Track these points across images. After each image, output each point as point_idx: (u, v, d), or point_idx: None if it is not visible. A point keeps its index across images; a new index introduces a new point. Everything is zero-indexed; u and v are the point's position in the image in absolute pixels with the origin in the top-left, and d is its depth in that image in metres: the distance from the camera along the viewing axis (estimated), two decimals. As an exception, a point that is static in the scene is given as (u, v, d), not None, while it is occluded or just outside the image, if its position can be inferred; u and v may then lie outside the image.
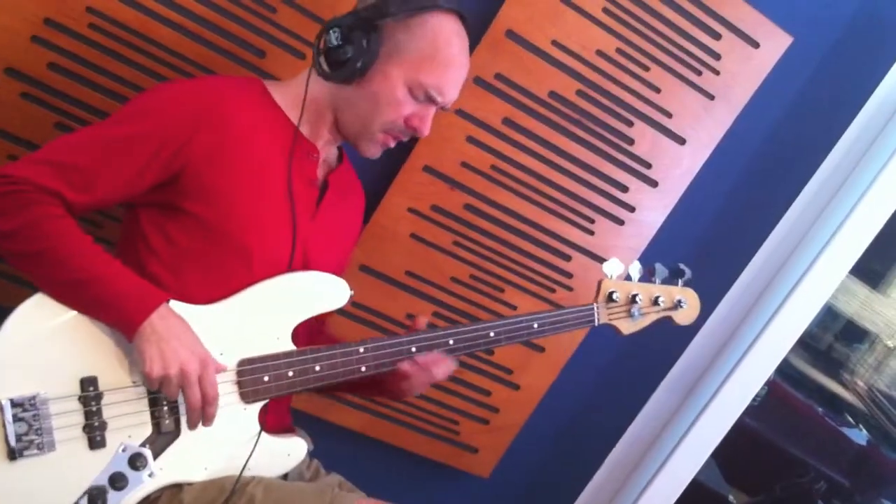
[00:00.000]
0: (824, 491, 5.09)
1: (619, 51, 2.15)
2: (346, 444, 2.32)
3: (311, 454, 1.85)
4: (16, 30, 1.77)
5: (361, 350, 1.58)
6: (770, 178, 2.48)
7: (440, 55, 1.55)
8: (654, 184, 2.32)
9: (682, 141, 2.29)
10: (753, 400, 2.68)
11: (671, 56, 2.20)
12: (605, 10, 2.10)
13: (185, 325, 1.41)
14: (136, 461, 1.41)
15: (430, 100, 1.58)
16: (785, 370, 6.27)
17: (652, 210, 2.35)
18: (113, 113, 1.52)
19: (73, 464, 1.37)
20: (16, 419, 1.31)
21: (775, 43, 2.25)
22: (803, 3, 2.30)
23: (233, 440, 1.51)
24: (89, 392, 1.37)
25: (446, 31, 1.56)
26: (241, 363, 1.50)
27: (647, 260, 2.37)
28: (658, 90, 2.22)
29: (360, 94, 1.57)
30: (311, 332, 1.68)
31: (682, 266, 1.89)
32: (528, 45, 2.07)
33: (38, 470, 1.34)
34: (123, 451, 1.40)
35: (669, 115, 2.25)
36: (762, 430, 5.52)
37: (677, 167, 2.32)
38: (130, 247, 1.53)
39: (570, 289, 2.36)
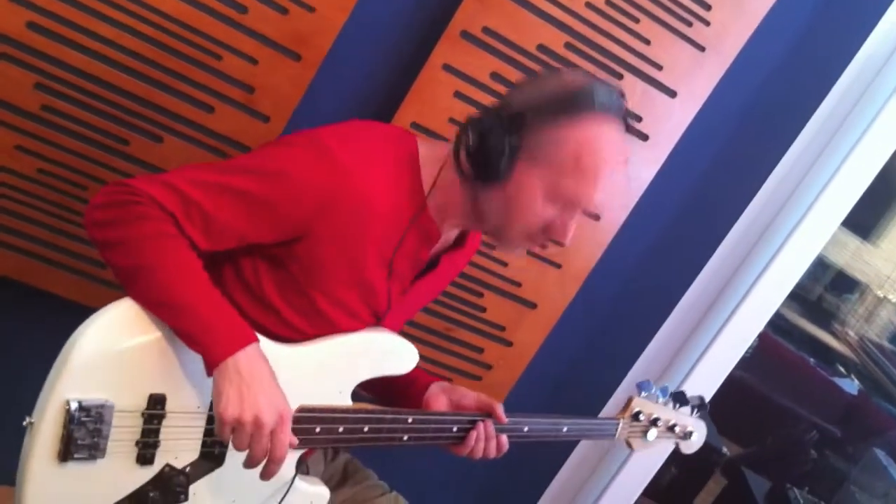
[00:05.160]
0: (816, 441, 5.14)
1: (608, 2, 2.11)
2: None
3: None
4: (-8, -11, 1.73)
5: (410, 420, 1.59)
6: (762, 130, 2.46)
7: (583, 164, 1.40)
8: (644, 137, 2.29)
9: (672, 94, 2.26)
10: (745, 352, 2.69)
11: (661, 7, 2.16)
12: (594, -39, 2.07)
13: (270, 373, 1.34)
14: (174, 483, 1.40)
15: (573, 207, 1.45)
16: (775, 322, 6.31)
17: (643, 164, 2.33)
18: (251, 158, 1.46)
19: (115, 474, 1.36)
20: (78, 422, 1.28)
21: (767, -8, 2.23)
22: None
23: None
24: (155, 410, 1.35)
25: (596, 137, 1.41)
26: (300, 409, 1.47)
27: (640, 213, 2.38)
28: (648, 42, 2.19)
29: (496, 195, 1.45)
30: (374, 381, 1.64)
31: (705, 399, 2.00)
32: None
33: (81, 474, 1.32)
34: (166, 470, 1.39)
35: (660, 68, 2.22)
36: (753, 381, 5.56)
37: (668, 120, 2.30)
38: (217, 266, 1.49)
39: (560, 243, 2.34)
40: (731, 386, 2.82)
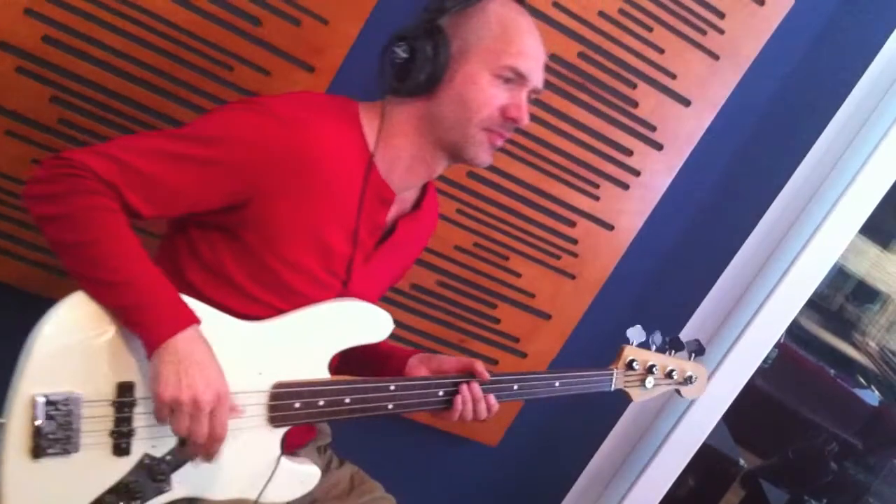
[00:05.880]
0: (836, 452, 5.10)
1: (621, 11, 2.12)
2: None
3: (327, 445, 1.85)
4: (8, 2, 1.74)
5: (392, 388, 1.56)
6: (777, 138, 2.45)
7: (511, 33, 1.50)
8: (658, 147, 2.29)
9: (686, 102, 2.25)
10: (764, 362, 2.67)
11: (674, 15, 2.16)
12: (607, -30, 2.07)
13: (209, 354, 1.34)
14: (156, 473, 1.38)
15: (519, 79, 1.51)
16: (796, 332, 6.29)
17: (657, 173, 2.33)
18: (190, 125, 1.45)
19: (93, 467, 1.34)
20: (47, 417, 1.28)
21: (780, 0, 2.22)
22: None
23: (252, 461, 1.49)
24: (125, 398, 1.34)
25: (508, 12, 1.52)
26: (277, 385, 1.46)
27: (655, 223, 2.37)
28: (662, 51, 2.19)
29: (445, 101, 1.51)
30: (350, 359, 1.63)
31: (701, 342, 1.96)
32: (529, 7, 2.02)
33: (58, 469, 1.31)
34: (146, 460, 1.38)
35: (673, 77, 2.22)
36: (773, 392, 5.53)
37: (682, 129, 2.29)
38: (173, 248, 1.49)
39: (575, 255, 2.34)
40: (750, 396, 2.80)
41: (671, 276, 2.54)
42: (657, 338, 1.90)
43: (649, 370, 1.89)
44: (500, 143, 1.55)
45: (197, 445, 1.34)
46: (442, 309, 2.31)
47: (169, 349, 1.29)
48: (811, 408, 5.74)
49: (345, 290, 1.55)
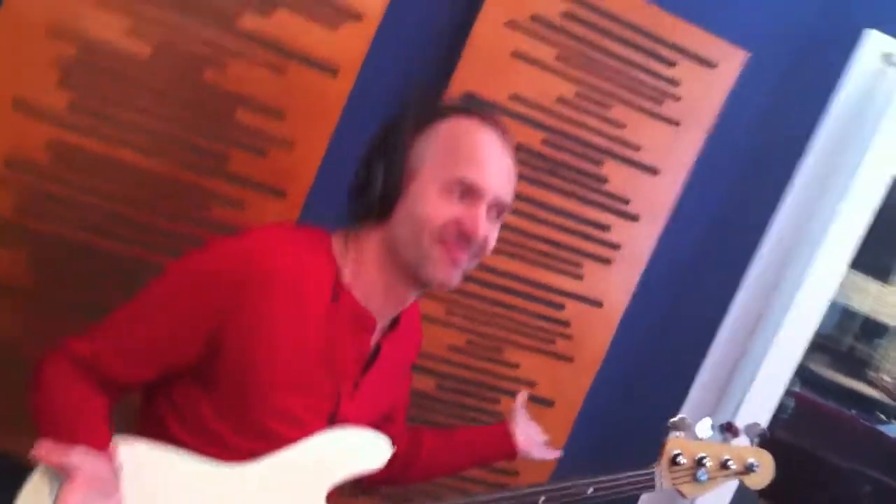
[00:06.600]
0: (869, 493, 4.99)
1: (578, 94, 2.16)
2: None
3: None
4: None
5: None
6: (752, 191, 2.48)
7: (462, 145, 1.47)
8: (635, 218, 2.31)
9: (655, 171, 2.29)
10: (783, 413, 2.64)
11: (630, 90, 2.21)
12: (558, 57, 2.12)
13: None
14: None
15: (472, 192, 1.45)
16: (808, 377, 6.22)
17: (637, 244, 2.34)
18: (159, 277, 1.45)
19: None
20: None
21: (732, 60, 2.27)
22: (753, 17, 2.32)
23: None
24: None
25: (461, 126, 1.50)
26: None
27: (643, 293, 2.37)
28: (623, 126, 2.22)
29: (400, 221, 1.47)
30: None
31: (761, 425, 1.80)
32: (491, 112, 2.04)
33: None
34: None
35: (637, 148, 2.26)
36: (796, 441, 5.44)
37: (655, 197, 2.32)
38: (155, 407, 1.47)
39: (569, 337, 2.34)
40: (774, 449, 2.76)
41: (668, 341, 2.54)
42: (705, 425, 1.76)
43: (699, 462, 1.73)
44: (462, 258, 1.47)
45: None
46: (446, 413, 2.30)
47: None
48: (837, 452, 5.64)
49: (332, 426, 1.51)
